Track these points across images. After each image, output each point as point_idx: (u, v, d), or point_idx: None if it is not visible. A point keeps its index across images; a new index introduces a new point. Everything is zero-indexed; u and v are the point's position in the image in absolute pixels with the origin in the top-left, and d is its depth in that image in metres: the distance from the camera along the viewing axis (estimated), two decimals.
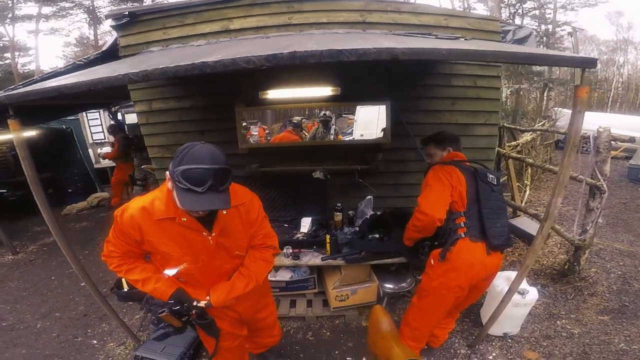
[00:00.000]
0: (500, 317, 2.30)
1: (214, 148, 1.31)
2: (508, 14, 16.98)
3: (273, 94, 2.92)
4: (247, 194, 1.61)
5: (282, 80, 2.92)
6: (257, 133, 3.84)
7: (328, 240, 2.66)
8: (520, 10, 17.69)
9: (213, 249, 1.50)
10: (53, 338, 2.91)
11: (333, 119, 3.59)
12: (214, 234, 1.47)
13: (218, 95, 3.11)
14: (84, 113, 8.21)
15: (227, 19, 2.89)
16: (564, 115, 9.07)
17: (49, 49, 43.89)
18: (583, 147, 3.04)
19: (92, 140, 8.48)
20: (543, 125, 7.74)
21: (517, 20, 16.56)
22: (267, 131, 3.85)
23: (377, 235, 2.71)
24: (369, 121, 3.29)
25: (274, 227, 2.95)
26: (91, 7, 19.38)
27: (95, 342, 2.82)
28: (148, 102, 3.18)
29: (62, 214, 6.37)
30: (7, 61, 19.53)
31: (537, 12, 17.60)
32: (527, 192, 5.68)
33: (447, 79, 3.07)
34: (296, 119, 3.67)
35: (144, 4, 15.84)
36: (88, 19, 20.13)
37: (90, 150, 8.02)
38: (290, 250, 2.70)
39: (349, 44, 1.45)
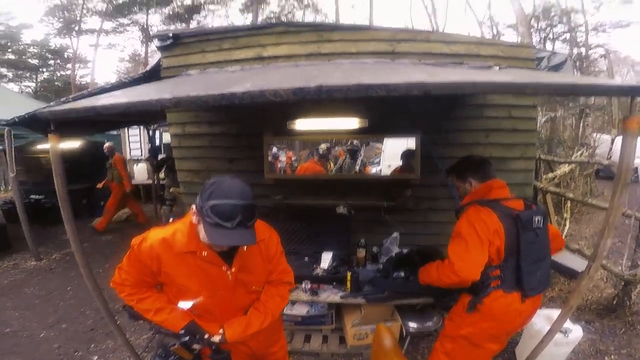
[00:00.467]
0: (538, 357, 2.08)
1: (242, 183, 1.30)
2: (538, 39, 16.51)
3: (300, 124, 2.88)
4: (267, 230, 1.59)
5: (309, 109, 2.88)
6: (284, 160, 3.86)
7: (349, 278, 2.54)
8: (550, 35, 17.14)
9: (232, 284, 1.47)
10: (53, 349, 2.85)
11: (361, 150, 3.53)
12: (233, 269, 1.44)
13: (247, 123, 3.14)
14: (125, 129, 8.59)
15: (261, 45, 2.96)
16: (603, 142, 8.53)
17: (105, 63, 47.04)
18: None
19: (130, 156, 8.85)
20: (582, 154, 7.30)
21: (548, 45, 15.97)
22: (293, 158, 3.85)
23: (402, 274, 2.54)
24: (398, 152, 3.20)
25: (294, 260, 2.96)
26: (145, 26, 20.23)
27: (95, 357, 2.75)
28: (182, 125, 3.25)
29: (91, 226, 6.49)
30: (68, 72, 20.75)
31: (567, 35, 17.01)
32: (567, 226, 5.36)
33: (480, 110, 2.95)
34: (322, 147, 3.65)
35: (190, 27, 16.70)
36: (142, 37, 21.03)
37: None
38: (309, 286, 2.60)
39: (377, 77, 1.40)
